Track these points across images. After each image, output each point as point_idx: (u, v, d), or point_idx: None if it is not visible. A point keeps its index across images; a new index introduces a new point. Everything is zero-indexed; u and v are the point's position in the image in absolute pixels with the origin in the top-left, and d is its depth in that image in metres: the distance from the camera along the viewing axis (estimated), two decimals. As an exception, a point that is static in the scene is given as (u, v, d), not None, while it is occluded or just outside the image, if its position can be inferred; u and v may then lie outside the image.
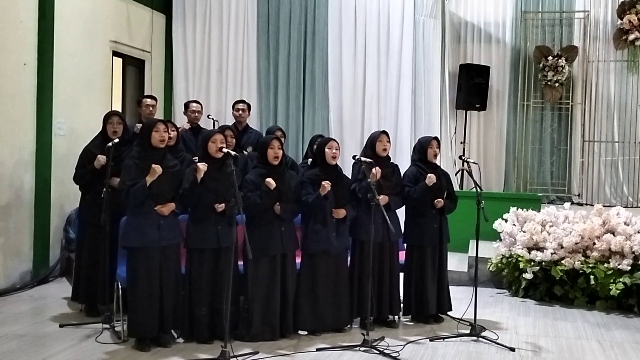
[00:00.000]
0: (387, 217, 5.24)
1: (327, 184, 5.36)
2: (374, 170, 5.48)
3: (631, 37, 10.12)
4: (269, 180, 5.23)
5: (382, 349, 5.09)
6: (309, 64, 9.33)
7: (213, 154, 5.16)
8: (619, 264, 6.53)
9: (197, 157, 5.37)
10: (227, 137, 5.68)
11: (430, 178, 5.77)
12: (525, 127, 10.64)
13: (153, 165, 4.94)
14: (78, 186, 6.10)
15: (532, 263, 6.83)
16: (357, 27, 9.25)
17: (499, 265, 7.13)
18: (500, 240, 7.27)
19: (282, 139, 6.46)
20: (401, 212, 6.01)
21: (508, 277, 7.15)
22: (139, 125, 6.47)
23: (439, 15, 9.50)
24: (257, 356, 4.94)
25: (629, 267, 6.48)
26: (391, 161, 5.99)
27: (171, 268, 5.10)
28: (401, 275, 6.00)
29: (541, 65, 10.43)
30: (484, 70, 10.44)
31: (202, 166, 5.07)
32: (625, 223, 6.85)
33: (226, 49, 9.58)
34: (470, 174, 5.84)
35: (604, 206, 7.48)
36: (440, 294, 5.98)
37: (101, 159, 5.74)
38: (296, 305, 5.47)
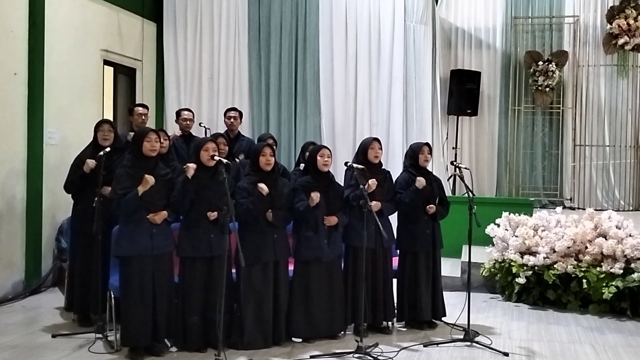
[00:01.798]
0: (379, 223, 5.24)
1: (315, 196, 5.33)
2: (370, 182, 5.49)
3: (620, 41, 10.21)
4: (262, 185, 5.24)
5: (376, 356, 5.09)
6: (300, 71, 9.33)
7: (205, 162, 5.16)
8: (611, 268, 6.54)
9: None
10: (219, 145, 5.68)
11: (420, 181, 5.78)
12: (517, 132, 10.70)
13: (146, 176, 4.93)
14: (70, 195, 6.07)
15: (525, 267, 6.84)
16: (348, 33, 9.26)
17: (492, 270, 7.14)
18: (493, 245, 7.28)
19: (274, 146, 6.46)
20: (394, 219, 6.02)
21: (501, 282, 7.15)
22: (132, 134, 6.46)
23: (430, 21, 9.53)
24: (250, 364, 4.94)
25: (621, 271, 6.49)
26: (383, 167, 6.00)
27: (164, 277, 5.08)
28: (395, 281, 6.01)
29: (532, 70, 10.50)
30: (475, 76, 10.49)
31: (192, 165, 5.09)
32: (616, 227, 6.87)
33: (217, 56, 9.57)
34: (462, 179, 5.84)
35: (596, 210, 7.51)
36: (434, 300, 5.98)
37: (90, 162, 5.70)
38: (289, 312, 5.46)
